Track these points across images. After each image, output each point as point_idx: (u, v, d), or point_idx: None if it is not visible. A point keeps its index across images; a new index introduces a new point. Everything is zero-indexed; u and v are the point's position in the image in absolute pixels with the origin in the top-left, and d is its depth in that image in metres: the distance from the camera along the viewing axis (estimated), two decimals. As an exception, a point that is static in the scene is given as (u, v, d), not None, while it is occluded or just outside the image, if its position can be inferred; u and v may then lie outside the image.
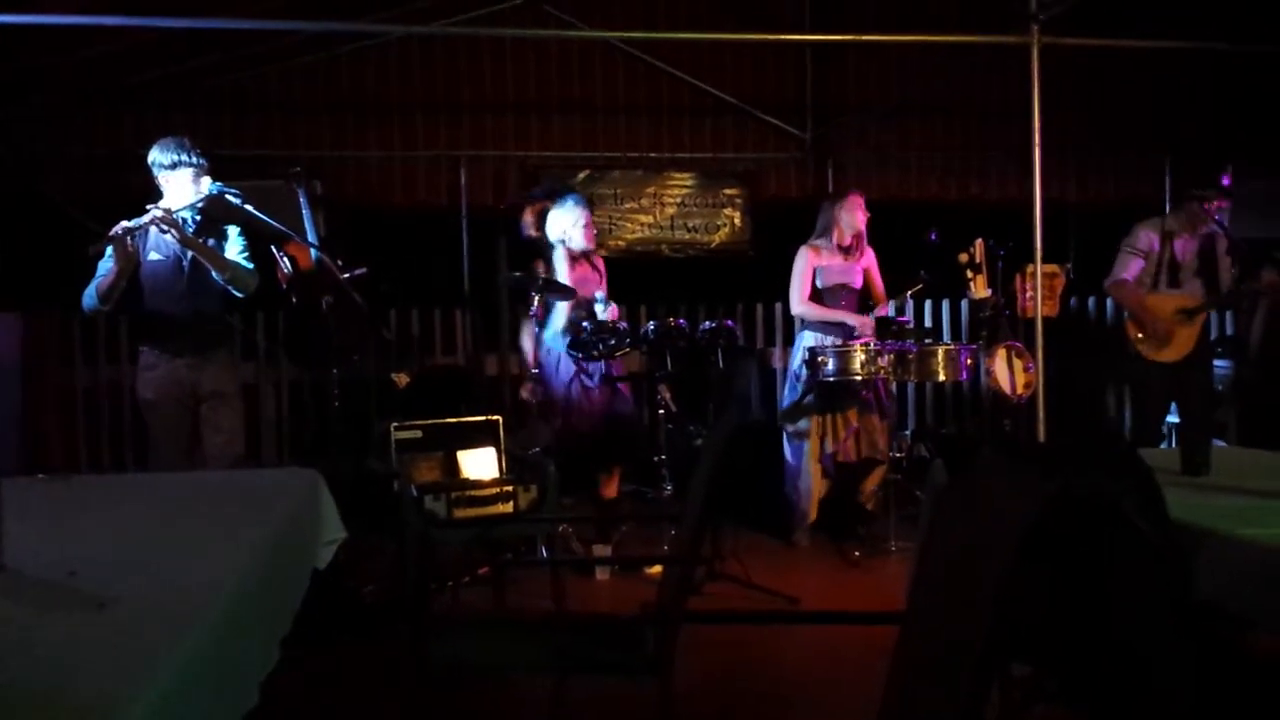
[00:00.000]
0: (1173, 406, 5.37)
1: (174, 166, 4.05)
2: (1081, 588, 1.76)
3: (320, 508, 2.81)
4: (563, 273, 5.07)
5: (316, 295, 4.31)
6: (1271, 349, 5.96)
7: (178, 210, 4.05)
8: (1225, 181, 5.03)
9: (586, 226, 5.13)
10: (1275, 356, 5.94)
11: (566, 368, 5.04)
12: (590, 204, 5.42)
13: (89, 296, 4.08)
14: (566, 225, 5.10)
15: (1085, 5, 4.50)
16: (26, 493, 2.64)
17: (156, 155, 4.08)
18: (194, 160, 4.06)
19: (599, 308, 5.03)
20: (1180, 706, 1.68)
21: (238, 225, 4.25)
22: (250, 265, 4.22)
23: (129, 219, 4.09)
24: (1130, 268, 5.16)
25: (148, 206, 3.98)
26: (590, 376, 5.03)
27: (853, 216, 5.24)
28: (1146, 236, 5.15)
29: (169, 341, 4.16)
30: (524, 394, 5.18)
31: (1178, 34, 5.39)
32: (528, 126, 6.94)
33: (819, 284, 5.28)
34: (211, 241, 4.17)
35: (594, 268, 5.22)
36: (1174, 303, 5.05)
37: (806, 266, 5.28)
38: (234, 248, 4.22)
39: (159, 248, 4.13)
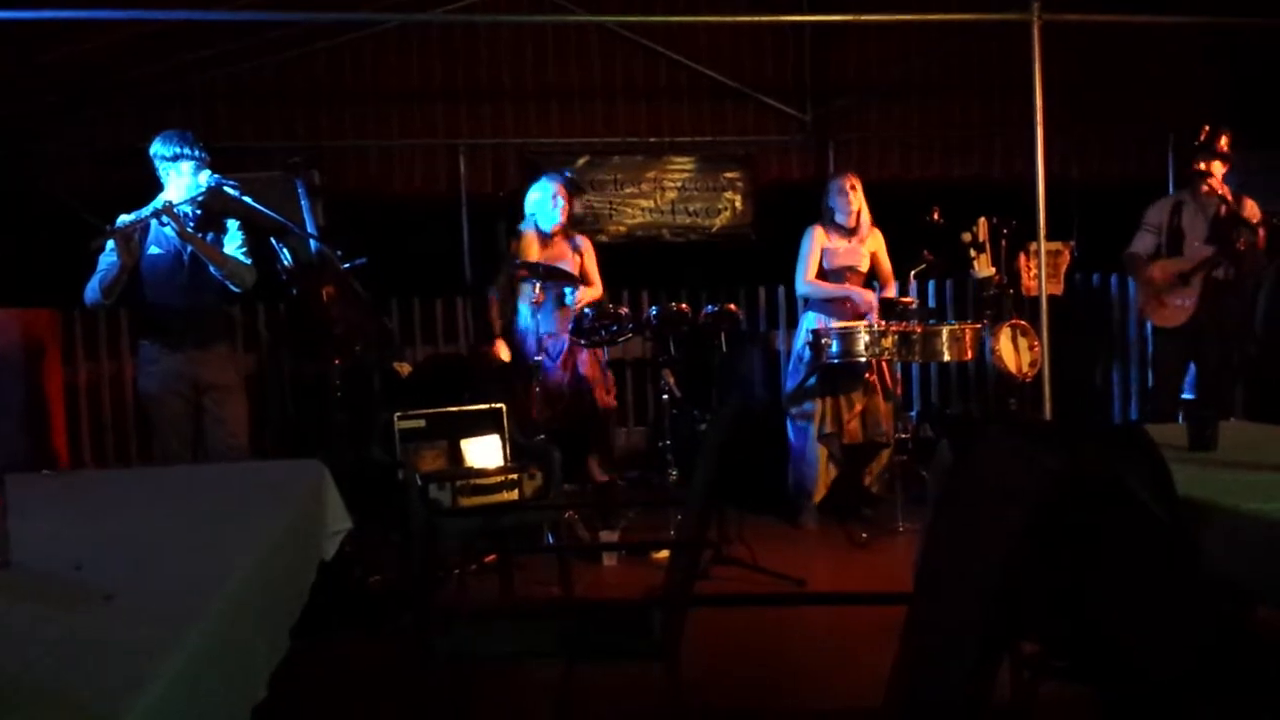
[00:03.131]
0: (1188, 383, 5.42)
1: (175, 159, 4.06)
2: (1088, 566, 1.75)
3: (325, 499, 2.81)
4: (532, 254, 5.10)
5: (317, 286, 4.31)
6: (1275, 323, 5.95)
7: (178, 203, 4.05)
8: (1221, 143, 5.02)
9: (555, 200, 5.14)
10: (1279, 331, 5.93)
11: (531, 351, 5.07)
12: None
13: (91, 290, 4.07)
14: (534, 204, 5.16)
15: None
16: (31, 489, 2.64)
17: (158, 147, 4.09)
18: (195, 153, 4.07)
19: (566, 293, 5.04)
20: (1186, 683, 1.68)
21: (236, 218, 4.24)
22: (248, 260, 4.22)
23: (129, 213, 4.09)
24: (1138, 243, 5.32)
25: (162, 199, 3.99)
26: (552, 359, 5.07)
27: (843, 198, 5.21)
28: (1156, 210, 5.29)
29: (169, 335, 4.16)
30: (500, 353, 5.17)
31: (1178, 9, 5.37)
32: (526, 113, 6.92)
33: (825, 266, 5.26)
34: (211, 235, 4.17)
35: (574, 250, 5.20)
36: (1173, 267, 5.15)
37: (815, 245, 5.25)
38: (232, 242, 4.21)
39: (159, 241, 4.13)
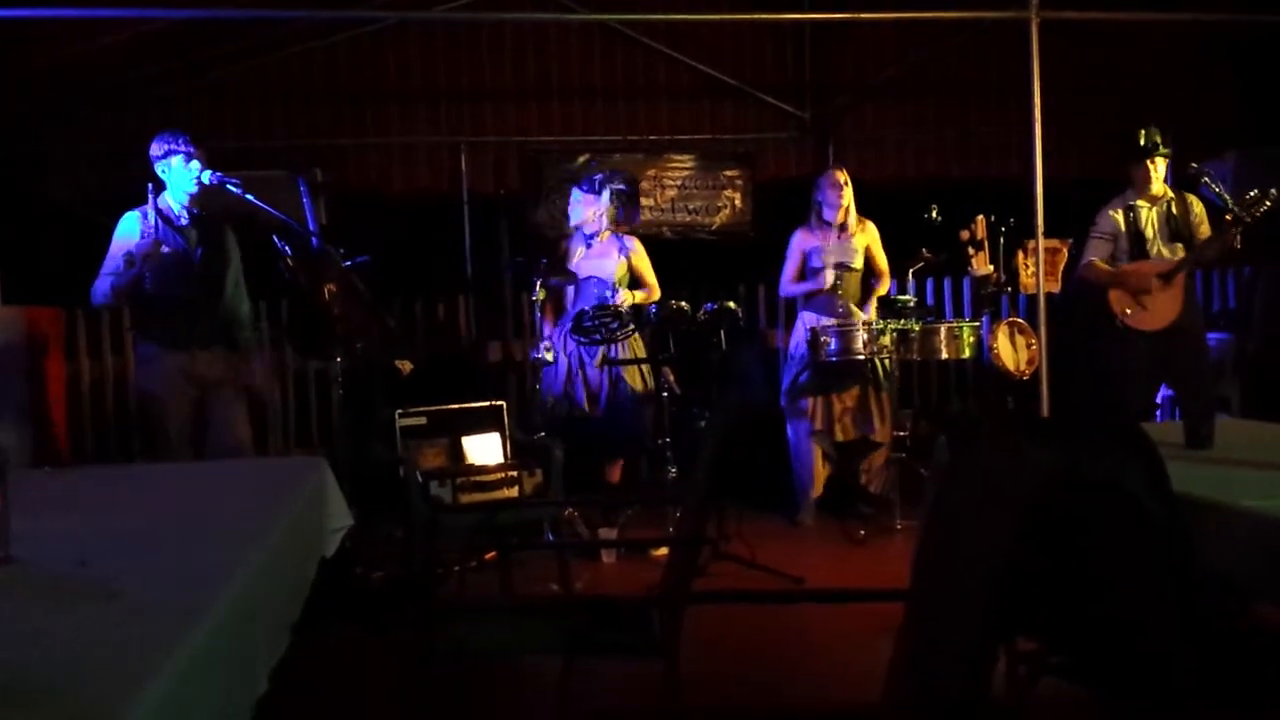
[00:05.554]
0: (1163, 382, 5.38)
1: (166, 155, 4.15)
2: (1085, 563, 1.77)
3: (327, 495, 2.83)
4: (576, 256, 5.21)
5: (319, 283, 4.32)
6: (1273, 321, 5.95)
7: (174, 206, 4.11)
8: (1156, 143, 4.98)
9: (583, 207, 5.23)
10: (1277, 328, 5.93)
11: (570, 351, 5.09)
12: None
13: (102, 294, 4.13)
14: (573, 210, 5.27)
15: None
16: (34, 485, 2.65)
17: (152, 149, 4.18)
18: (181, 146, 4.13)
19: (607, 293, 5.09)
20: (1183, 680, 1.69)
21: (239, 216, 4.27)
22: (245, 308, 4.33)
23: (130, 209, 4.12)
24: (1094, 250, 5.08)
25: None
26: (588, 361, 5.09)
27: (835, 192, 5.23)
28: (1107, 217, 5.08)
29: (172, 333, 4.18)
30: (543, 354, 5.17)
31: (1178, 6, 5.37)
32: (528, 111, 6.93)
33: (815, 264, 5.27)
34: (202, 246, 4.23)
35: (620, 248, 5.26)
36: (1149, 268, 4.95)
37: (794, 249, 5.33)
38: (232, 273, 4.29)
39: (168, 240, 4.15)
